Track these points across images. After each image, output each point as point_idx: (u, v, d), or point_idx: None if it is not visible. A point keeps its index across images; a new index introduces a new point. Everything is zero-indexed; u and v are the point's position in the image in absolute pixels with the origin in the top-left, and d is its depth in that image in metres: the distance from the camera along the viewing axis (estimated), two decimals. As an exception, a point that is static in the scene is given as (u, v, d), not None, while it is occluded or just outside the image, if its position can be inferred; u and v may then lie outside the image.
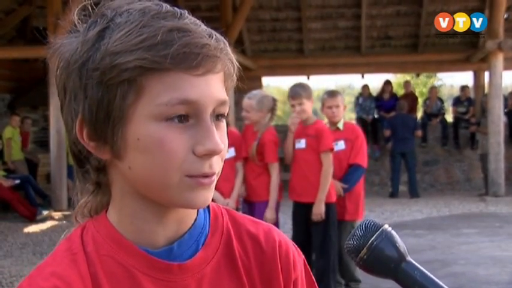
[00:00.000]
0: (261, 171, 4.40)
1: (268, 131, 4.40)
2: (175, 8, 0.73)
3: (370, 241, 0.74)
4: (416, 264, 0.74)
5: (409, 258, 0.75)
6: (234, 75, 0.76)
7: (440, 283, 0.73)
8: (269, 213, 4.29)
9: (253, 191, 4.44)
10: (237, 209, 4.33)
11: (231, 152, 4.40)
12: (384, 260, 0.74)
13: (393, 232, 0.75)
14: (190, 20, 0.72)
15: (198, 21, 0.73)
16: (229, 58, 0.74)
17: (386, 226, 0.75)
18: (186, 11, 0.74)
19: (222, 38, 0.74)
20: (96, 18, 0.73)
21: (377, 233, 0.74)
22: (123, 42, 0.69)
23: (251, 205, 4.46)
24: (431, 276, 0.73)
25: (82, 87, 0.71)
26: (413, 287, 0.73)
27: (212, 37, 0.72)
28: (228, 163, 4.33)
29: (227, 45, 0.74)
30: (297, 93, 4.26)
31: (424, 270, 0.74)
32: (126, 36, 0.69)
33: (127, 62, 0.68)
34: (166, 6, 0.73)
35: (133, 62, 0.68)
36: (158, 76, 0.69)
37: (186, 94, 0.69)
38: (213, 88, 0.72)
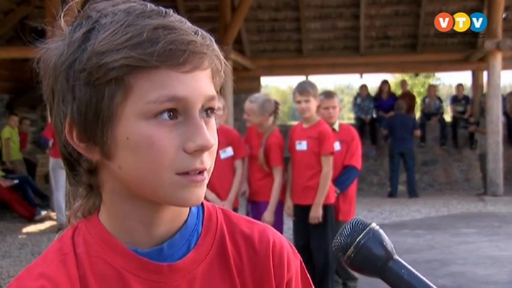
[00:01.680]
0: (267, 172, 4.37)
1: (273, 134, 4.36)
2: (160, 7, 0.74)
3: (358, 240, 0.74)
4: (403, 262, 0.74)
5: (396, 256, 0.74)
6: (222, 72, 0.76)
7: (428, 282, 0.73)
8: (268, 215, 4.26)
9: (259, 191, 4.41)
10: (235, 210, 4.30)
11: (229, 152, 4.37)
12: (371, 259, 0.73)
13: (381, 231, 0.74)
14: (175, 18, 0.72)
15: (183, 19, 0.73)
16: (216, 55, 0.74)
17: (373, 225, 0.75)
18: (171, 10, 0.74)
19: (208, 35, 0.74)
20: (81, 21, 0.74)
21: (364, 232, 0.74)
22: (109, 42, 0.69)
23: (257, 205, 4.43)
24: (419, 274, 0.73)
25: (70, 88, 0.71)
26: (400, 285, 0.72)
27: (198, 34, 0.72)
28: (226, 163, 4.30)
29: (213, 42, 0.74)
30: (306, 89, 4.21)
31: (411, 268, 0.73)
32: (112, 35, 0.69)
33: (113, 61, 0.68)
34: (151, 5, 0.73)
35: (119, 60, 0.68)
36: (145, 74, 0.69)
37: (174, 91, 0.69)
38: (201, 84, 0.72)
